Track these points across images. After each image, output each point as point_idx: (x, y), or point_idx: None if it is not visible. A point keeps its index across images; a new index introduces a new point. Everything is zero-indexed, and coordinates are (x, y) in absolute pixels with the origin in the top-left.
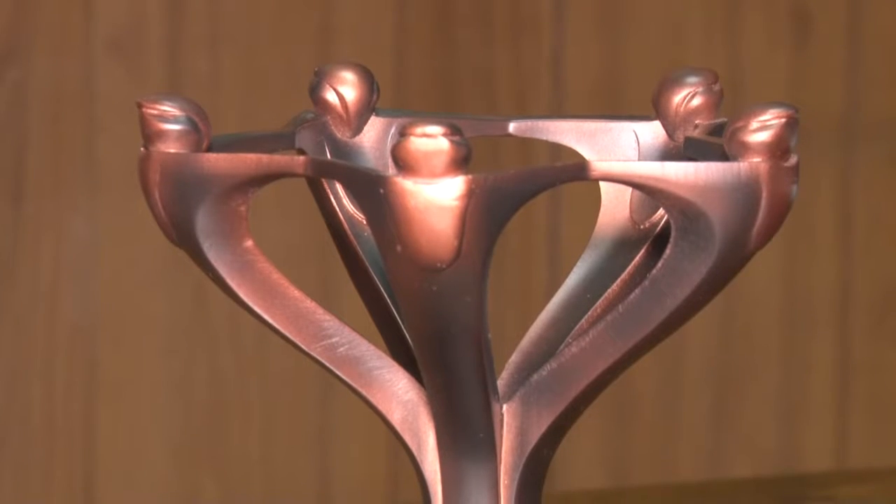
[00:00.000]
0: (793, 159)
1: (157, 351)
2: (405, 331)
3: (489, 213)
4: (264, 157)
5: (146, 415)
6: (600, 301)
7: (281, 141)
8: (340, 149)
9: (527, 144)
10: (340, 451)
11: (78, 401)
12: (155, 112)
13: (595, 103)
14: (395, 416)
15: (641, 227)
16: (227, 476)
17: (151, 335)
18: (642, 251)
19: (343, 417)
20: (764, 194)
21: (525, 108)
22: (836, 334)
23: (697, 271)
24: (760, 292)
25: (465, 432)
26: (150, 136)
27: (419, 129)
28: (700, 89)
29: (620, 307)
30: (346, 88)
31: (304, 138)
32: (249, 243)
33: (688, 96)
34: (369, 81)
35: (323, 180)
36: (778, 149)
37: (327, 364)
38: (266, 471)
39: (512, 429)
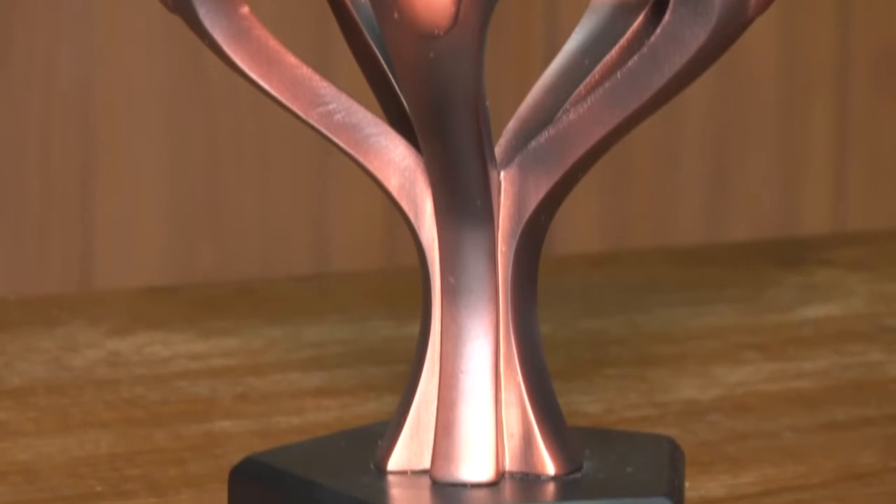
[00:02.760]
0: None
1: (153, 117)
2: (403, 99)
3: None
4: None
5: (143, 180)
6: (598, 67)
7: None
8: None
9: None
10: (337, 217)
11: (74, 168)
12: None
13: None
14: (393, 183)
15: None
16: (224, 241)
17: (148, 102)
18: (641, 16)
19: (340, 183)
20: None
21: None
22: (833, 97)
23: (696, 38)
24: (758, 57)
25: (463, 199)
26: None
27: None
28: None
29: (618, 74)
30: None
31: None
32: (245, 10)
33: None
34: None
35: None
36: None
37: (324, 131)
38: (263, 236)
39: (509, 195)
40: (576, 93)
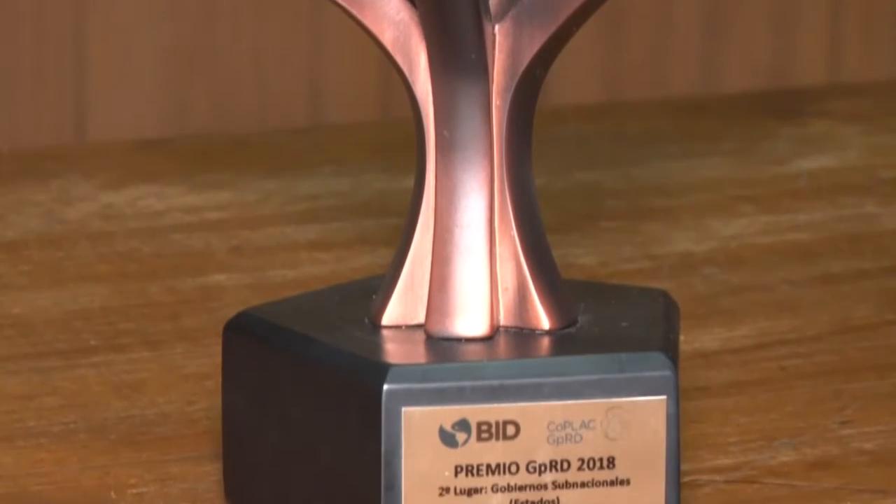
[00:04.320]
0: None
1: None
2: None
3: None
4: None
5: (137, 32)
6: None
7: None
8: None
9: None
10: (332, 69)
11: (68, 20)
12: None
13: None
14: (387, 37)
15: None
16: (219, 93)
17: None
18: None
19: (334, 36)
20: None
21: None
22: None
23: None
24: None
25: (457, 53)
26: None
27: None
28: None
29: None
30: None
31: None
32: None
33: None
34: None
35: None
36: None
37: None
38: (257, 88)
39: (504, 49)
40: None
